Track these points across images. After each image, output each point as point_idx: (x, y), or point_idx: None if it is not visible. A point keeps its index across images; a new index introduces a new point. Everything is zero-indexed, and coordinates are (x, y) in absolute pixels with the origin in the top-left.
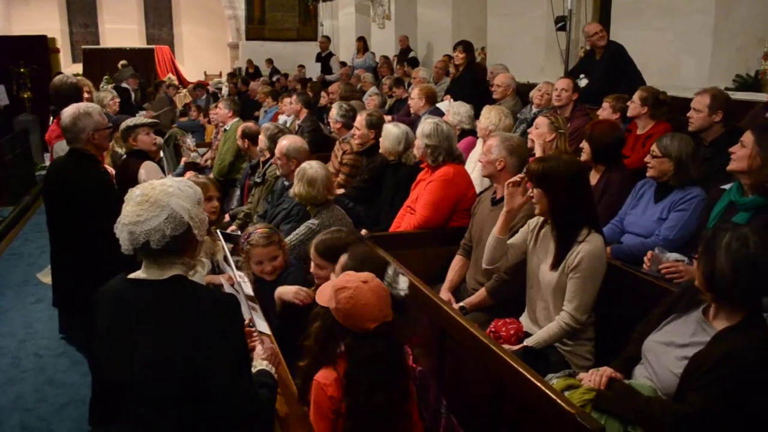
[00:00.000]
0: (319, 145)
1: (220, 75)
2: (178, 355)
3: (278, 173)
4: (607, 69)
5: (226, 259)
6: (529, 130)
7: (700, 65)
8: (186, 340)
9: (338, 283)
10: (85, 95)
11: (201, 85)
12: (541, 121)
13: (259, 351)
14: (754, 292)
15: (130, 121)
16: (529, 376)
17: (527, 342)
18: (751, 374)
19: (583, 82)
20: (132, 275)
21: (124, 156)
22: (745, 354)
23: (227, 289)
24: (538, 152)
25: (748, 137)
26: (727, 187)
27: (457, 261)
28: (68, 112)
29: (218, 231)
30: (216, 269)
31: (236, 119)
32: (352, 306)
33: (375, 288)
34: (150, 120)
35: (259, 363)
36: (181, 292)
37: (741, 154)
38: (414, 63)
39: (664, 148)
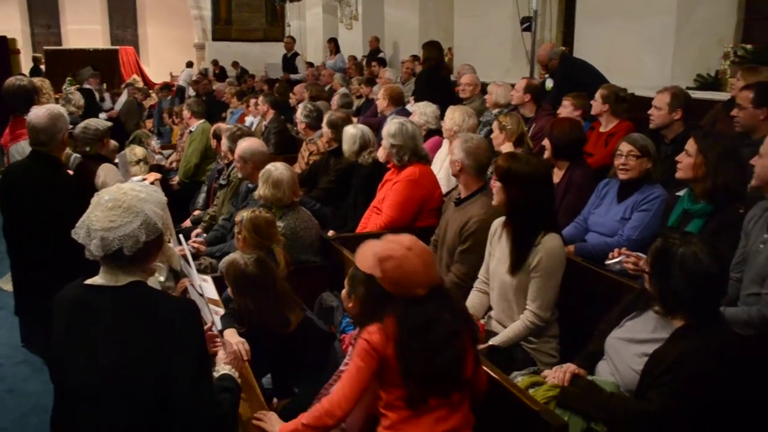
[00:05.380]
0: (286, 146)
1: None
2: (137, 362)
3: (239, 176)
4: (559, 86)
5: (187, 261)
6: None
7: (662, 65)
8: (145, 347)
9: (382, 251)
10: (43, 98)
11: (167, 86)
12: (494, 125)
13: (221, 355)
14: (708, 302)
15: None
16: (493, 375)
17: (493, 341)
18: (708, 373)
19: (550, 83)
20: (89, 281)
21: (76, 158)
22: (702, 353)
23: (191, 291)
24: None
25: (691, 145)
26: (681, 193)
27: None
28: (43, 113)
29: (180, 235)
30: (178, 273)
31: (201, 120)
32: (400, 275)
33: (420, 253)
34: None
35: (222, 367)
36: (140, 298)
37: (686, 162)
38: (383, 63)
39: (642, 148)
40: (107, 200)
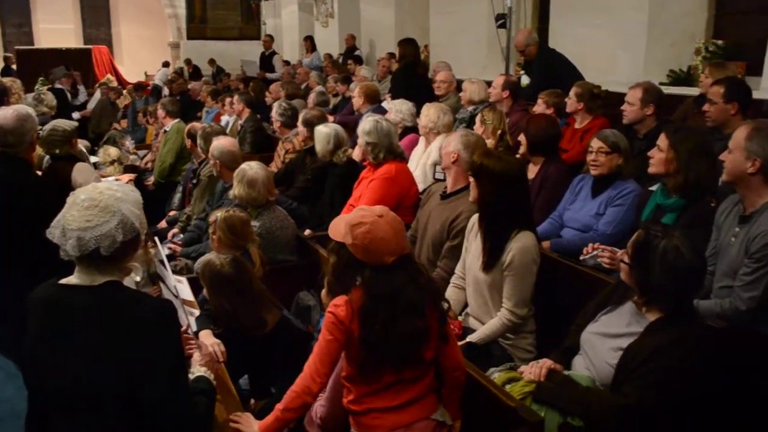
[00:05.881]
0: (263, 145)
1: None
2: (113, 362)
3: (214, 173)
4: (539, 75)
5: (162, 263)
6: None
7: (635, 61)
8: (121, 347)
9: (353, 219)
10: (13, 99)
11: (141, 86)
12: (477, 118)
13: (196, 357)
14: (686, 295)
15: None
16: (470, 372)
17: (470, 338)
18: (683, 365)
19: (525, 79)
20: (64, 281)
21: (49, 160)
22: (678, 345)
23: (165, 293)
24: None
25: (663, 140)
26: (654, 188)
27: None
28: (10, 114)
29: (155, 237)
30: (153, 275)
31: (176, 120)
32: (369, 241)
33: (391, 222)
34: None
35: (197, 369)
36: (117, 297)
37: (658, 158)
38: (360, 61)
39: (612, 144)
40: (83, 199)
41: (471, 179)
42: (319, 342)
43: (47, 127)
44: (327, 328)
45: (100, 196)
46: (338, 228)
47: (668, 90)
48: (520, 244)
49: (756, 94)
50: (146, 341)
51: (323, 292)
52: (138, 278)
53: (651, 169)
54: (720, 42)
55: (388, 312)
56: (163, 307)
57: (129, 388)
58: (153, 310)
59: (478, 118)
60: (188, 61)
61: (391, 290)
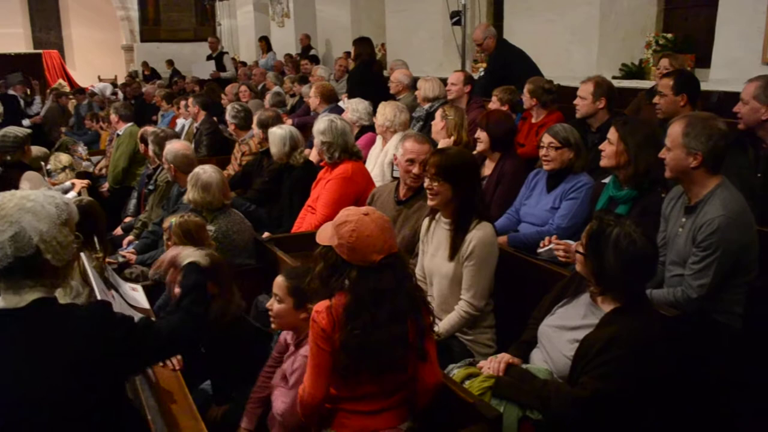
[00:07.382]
0: (220, 148)
1: (115, 79)
2: (59, 385)
3: (168, 178)
4: (492, 67)
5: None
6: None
7: (588, 55)
8: (63, 365)
9: (339, 219)
10: None
11: (81, 91)
12: (437, 113)
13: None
14: (639, 282)
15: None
16: None
17: None
18: (638, 355)
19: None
20: None
21: None
22: (632, 335)
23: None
24: (440, 144)
25: (612, 133)
26: (606, 181)
27: None
28: None
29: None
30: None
31: (129, 124)
32: (356, 239)
33: (377, 220)
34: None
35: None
36: (47, 317)
37: (609, 151)
38: (316, 61)
39: (563, 140)
40: None
41: (435, 183)
42: (310, 353)
43: None
44: (313, 339)
45: (7, 203)
46: (325, 232)
47: (621, 83)
48: (481, 234)
49: (704, 86)
50: (92, 347)
51: (269, 302)
52: (70, 297)
53: (602, 162)
54: (670, 35)
55: (371, 315)
56: (95, 312)
57: (79, 402)
58: (87, 319)
59: (438, 114)
60: (145, 64)
61: (376, 292)
